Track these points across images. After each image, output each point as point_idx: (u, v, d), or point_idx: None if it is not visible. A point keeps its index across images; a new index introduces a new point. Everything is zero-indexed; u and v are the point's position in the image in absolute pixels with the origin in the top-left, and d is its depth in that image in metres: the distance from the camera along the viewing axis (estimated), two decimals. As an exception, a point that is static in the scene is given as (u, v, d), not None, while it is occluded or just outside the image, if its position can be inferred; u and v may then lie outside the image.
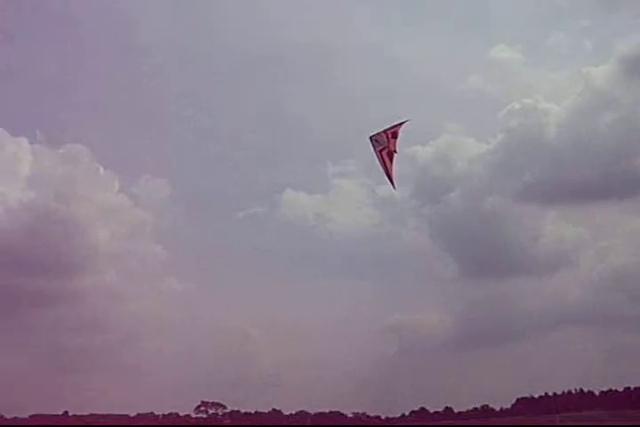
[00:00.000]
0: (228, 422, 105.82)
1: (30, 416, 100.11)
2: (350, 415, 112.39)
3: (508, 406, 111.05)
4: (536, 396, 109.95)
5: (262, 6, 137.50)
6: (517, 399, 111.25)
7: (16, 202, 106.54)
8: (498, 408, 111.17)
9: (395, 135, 30.28)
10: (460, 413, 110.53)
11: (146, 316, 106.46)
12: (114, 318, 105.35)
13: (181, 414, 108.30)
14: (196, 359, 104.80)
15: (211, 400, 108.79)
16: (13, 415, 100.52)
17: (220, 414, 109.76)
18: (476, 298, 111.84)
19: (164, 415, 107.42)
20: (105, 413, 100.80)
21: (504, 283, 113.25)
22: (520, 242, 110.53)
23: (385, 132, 30.24)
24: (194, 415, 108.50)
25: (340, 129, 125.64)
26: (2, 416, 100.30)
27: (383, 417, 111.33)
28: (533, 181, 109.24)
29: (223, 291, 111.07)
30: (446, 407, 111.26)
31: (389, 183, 30.80)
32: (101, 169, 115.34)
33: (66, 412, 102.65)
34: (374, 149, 30.41)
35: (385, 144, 30.30)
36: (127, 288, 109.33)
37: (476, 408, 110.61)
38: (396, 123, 30.37)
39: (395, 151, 30.56)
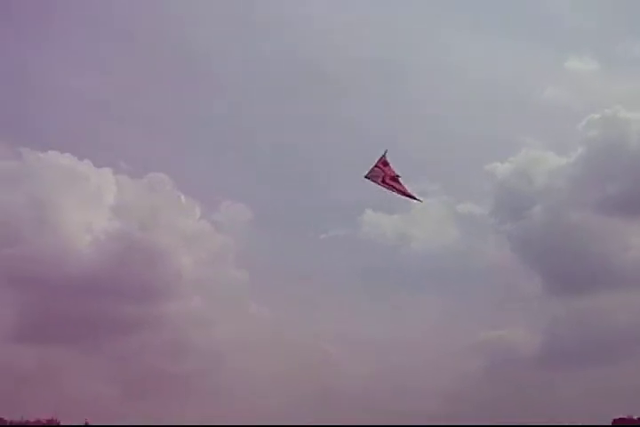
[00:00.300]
0: None
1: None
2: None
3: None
4: (635, 417, 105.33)
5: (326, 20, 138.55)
6: (614, 420, 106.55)
7: (102, 232, 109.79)
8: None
9: (385, 164, 30.67)
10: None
11: (229, 340, 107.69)
12: (198, 343, 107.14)
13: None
14: (282, 382, 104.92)
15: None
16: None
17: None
18: (562, 314, 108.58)
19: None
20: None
21: (590, 298, 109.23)
22: (606, 255, 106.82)
23: (376, 166, 30.74)
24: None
25: (416, 148, 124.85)
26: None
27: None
28: (617, 193, 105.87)
29: (306, 312, 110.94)
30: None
31: (412, 199, 31.07)
32: (182, 197, 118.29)
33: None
34: (377, 183, 30.77)
35: (382, 174, 30.59)
36: (211, 313, 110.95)
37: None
38: (377, 159, 30.87)
39: (398, 176, 30.84)
